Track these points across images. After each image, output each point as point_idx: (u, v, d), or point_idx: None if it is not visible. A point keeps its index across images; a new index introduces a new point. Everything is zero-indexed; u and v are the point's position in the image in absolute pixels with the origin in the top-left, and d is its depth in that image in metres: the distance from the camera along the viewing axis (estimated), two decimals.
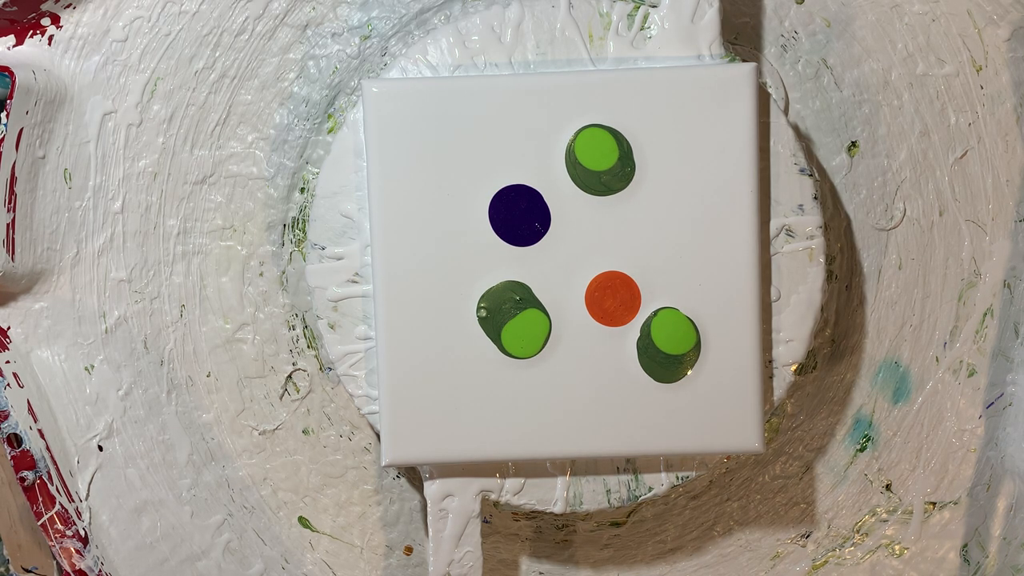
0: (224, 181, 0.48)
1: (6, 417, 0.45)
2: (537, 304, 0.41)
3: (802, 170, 0.43)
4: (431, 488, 0.43)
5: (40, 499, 0.46)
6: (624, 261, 0.41)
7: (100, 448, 0.48)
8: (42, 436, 0.46)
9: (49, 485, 0.46)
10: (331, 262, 0.43)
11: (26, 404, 0.46)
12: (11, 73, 0.43)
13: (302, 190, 0.48)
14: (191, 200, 0.48)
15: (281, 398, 0.49)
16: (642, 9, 0.42)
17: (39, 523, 0.46)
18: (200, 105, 0.47)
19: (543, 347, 0.41)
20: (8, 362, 0.46)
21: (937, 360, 0.49)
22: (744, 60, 0.44)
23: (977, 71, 0.47)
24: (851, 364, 0.49)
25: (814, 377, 0.49)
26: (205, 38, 0.47)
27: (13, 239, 0.45)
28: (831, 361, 0.49)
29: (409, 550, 0.50)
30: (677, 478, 0.44)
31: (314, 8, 0.47)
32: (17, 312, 0.47)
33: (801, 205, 0.43)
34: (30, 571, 0.48)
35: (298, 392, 0.49)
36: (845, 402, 0.49)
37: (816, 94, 0.48)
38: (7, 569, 0.50)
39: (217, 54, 0.47)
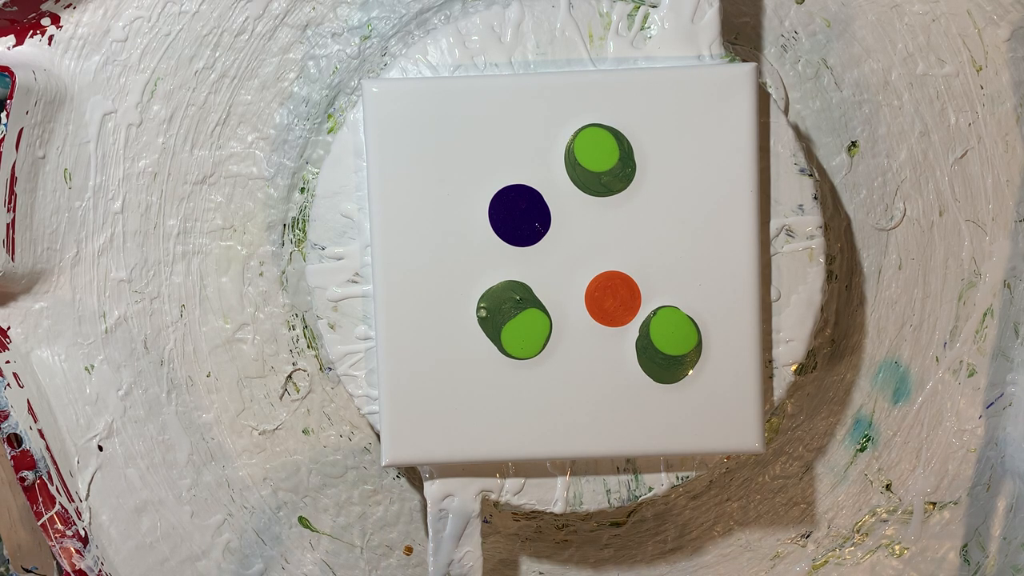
0: (224, 181, 0.48)
1: (6, 417, 0.45)
2: (537, 304, 0.41)
3: (802, 170, 0.43)
4: (431, 488, 0.43)
5: (40, 499, 0.46)
6: (624, 261, 0.41)
7: (100, 448, 0.48)
8: (42, 436, 0.46)
9: (49, 485, 0.46)
10: (331, 262, 0.43)
11: (26, 404, 0.46)
12: (11, 73, 0.43)
13: (302, 190, 0.48)
14: (191, 200, 0.48)
15: (281, 398, 0.49)
16: (642, 9, 0.42)
17: (39, 523, 0.46)
18: (200, 105, 0.47)
19: (543, 347, 0.41)
20: (8, 362, 0.46)
21: (937, 360, 0.49)
22: (744, 60, 0.44)
23: (977, 71, 0.47)
24: (851, 364, 0.49)
25: (814, 377, 0.49)
26: (205, 38, 0.47)
27: (13, 239, 0.45)
28: (831, 361, 0.49)
29: (409, 550, 0.50)
30: (677, 478, 0.44)
31: (314, 8, 0.47)
32: (17, 312, 0.47)
33: (801, 205, 0.43)
34: (30, 571, 0.48)
35: (298, 392, 0.49)
36: (845, 402, 0.49)
37: (816, 94, 0.48)
38: (7, 569, 0.50)
39: (217, 54, 0.47)
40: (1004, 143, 0.48)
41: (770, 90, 0.47)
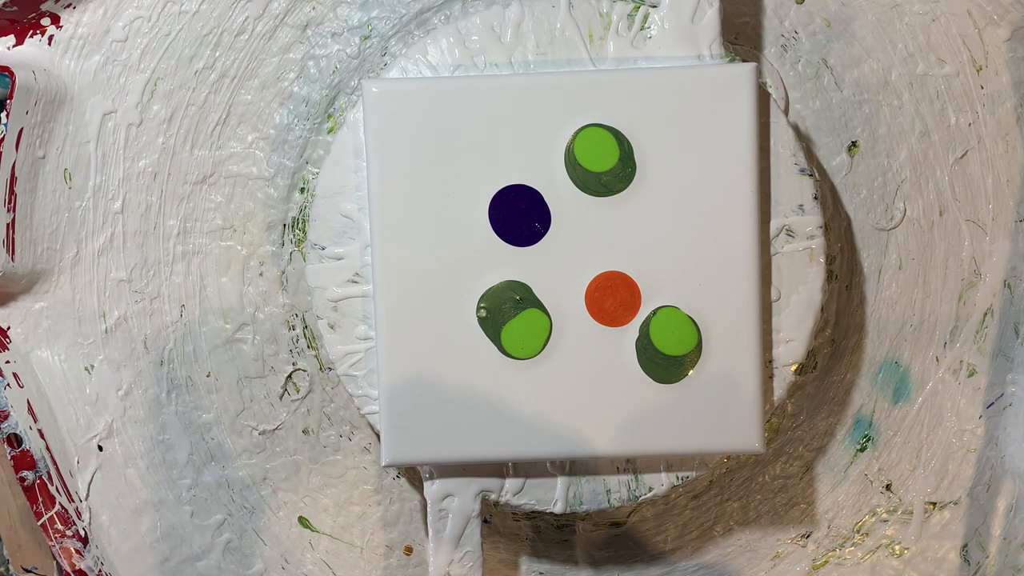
0: (224, 181, 0.48)
1: (6, 417, 0.45)
2: (537, 304, 0.41)
3: (802, 170, 0.43)
4: (431, 488, 0.43)
5: (40, 499, 0.46)
6: (624, 261, 0.41)
7: (100, 448, 0.48)
8: (42, 436, 0.46)
9: (49, 485, 0.46)
10: (331, 262, 0.43)
11: (26, 404, 0.46)
12: (11, 73, 0.43)
13: (302, 190, 0.48)
14: (191, 200, 0.48)
15: (281, 398, 0.49)
16: (642, 9, 0.42)
17: (39, 523, 0.46)
18: (200, 105, 0.47)
19: (543, 347, 0.41)
20: (8, 362, 0.46)
21: (937, 360, 0.49)
22: (744, 60, 0.44)
23: (977, 71, 0.47)
24: (851, 364, 0.49)
25: (814, 377, 0.49)
26: (205, 38, 0.47)
27: (13, 239, 0.45)
28: (831, 361, 0.49)
29: (409, 550, 0.50)
30: (677, 478, 0.44)
31: (314, 8, 0.47)
32: (17, 312, 0.47)
33: (801, 205, 0.43)
34: (30, 571, 0.48)
35: (298, 392, 0.49)
36: (845, 402, 0.49)
37: (816, 94, 0.48)
38: (7, 569, 0.50)
39: (217, 54, 0.47)
40: (1004, 143, 0.48)
41: (770, 90, 0.47)
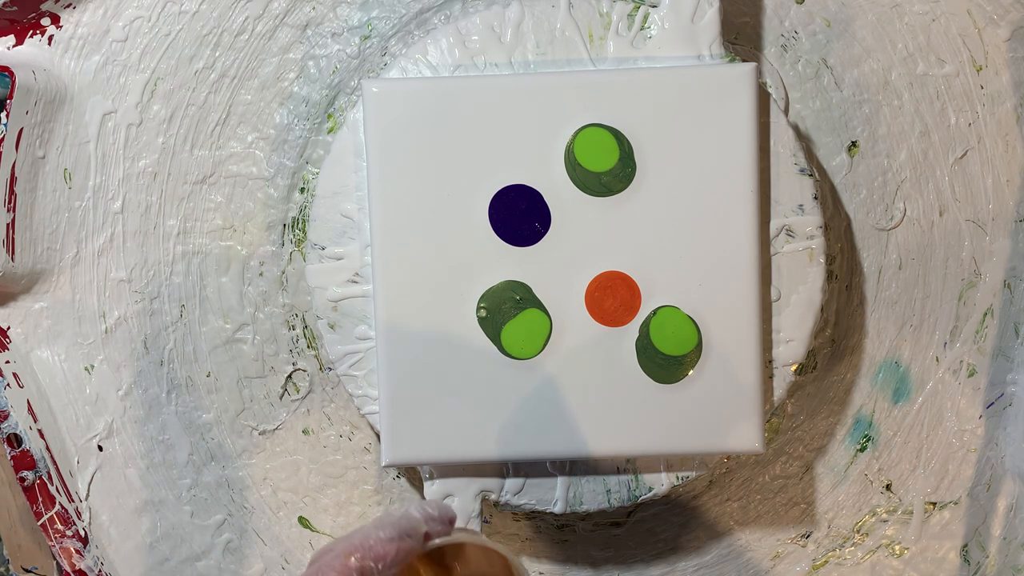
0: (224, 181, 0.48)
1: (6, 417, 0.45)
2: (537, 304, 0.41)
3: (802, 170, 0.43)
4: (431, 488, 0.43)
5: (40, 499, 0.46)
6: (624, 261, 0.41)
7: (100, 448, 0.48)
8: (42, 436, 0.46)
9: (49, 485, 0.46)
10: (331, 262, 0.43)
11: (26, 404, 0.46)
12: (11, 73, 0.43)
13: (302, 190, 0.48)
14: (191, 200, 0.48)
15: (281, 398, 0.49)
16: (642, 9, 0.42)
17: (39, 523, 0.46)
18: (200, 105, 0.47)
19: (543, 347, 0.41)
20: (8, 362, 0.46)
21: (937, 360, 0.49)
22: (744, 60, 0.44)
23: (977, 71, 0.47)
24: (851, 364, 0.49)
25: (814, 377, 0.49)
26: (205, 38, 0.47)
27: (13, 239, 0.45)
28: (831, 361, 0.49)
29: None
30: (677, 478, 0.44)
31: (314, 8, 0.47)
32: (17, 312, 0.47)
33: (801, 205, 0.43)
34: (30, 571, 0.48)
35: (298, 392, 0.49)
36: (845, 402, 0.49)
37: (816, 94, 0.48)
38: (7, 569, 0.50)
39: (217, 54, 0.47)
40: (1004, 143, 0.48)
41: (770, 90, 0.47)
